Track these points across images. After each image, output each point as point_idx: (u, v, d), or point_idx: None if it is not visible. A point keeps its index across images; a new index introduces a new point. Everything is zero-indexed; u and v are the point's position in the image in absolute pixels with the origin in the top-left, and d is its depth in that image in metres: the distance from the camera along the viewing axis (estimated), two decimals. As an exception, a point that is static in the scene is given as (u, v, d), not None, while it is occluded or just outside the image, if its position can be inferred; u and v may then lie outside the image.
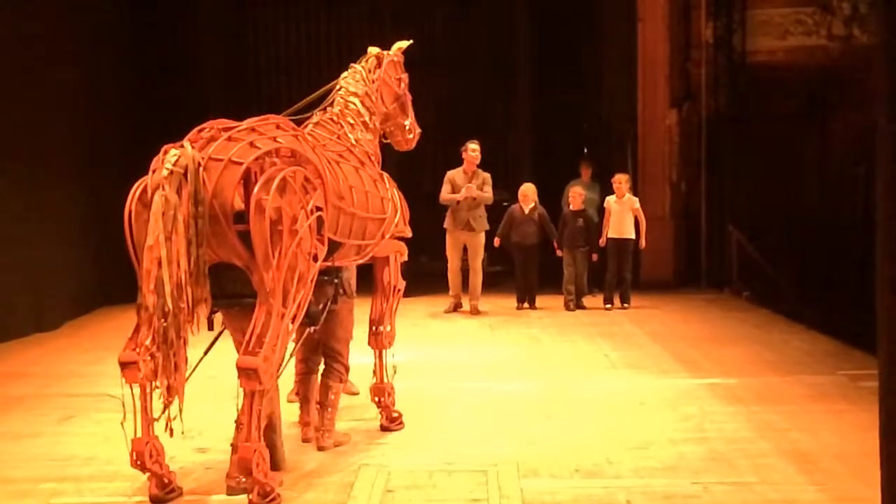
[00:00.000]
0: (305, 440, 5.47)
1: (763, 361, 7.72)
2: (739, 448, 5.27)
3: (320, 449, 5.33)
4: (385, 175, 5.73)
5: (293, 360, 5.38)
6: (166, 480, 4.52)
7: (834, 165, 12.44)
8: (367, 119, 5.80)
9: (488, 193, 10.54)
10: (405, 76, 6.25)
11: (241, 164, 4.32)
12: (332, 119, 5.65)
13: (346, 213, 5.04)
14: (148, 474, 4.51)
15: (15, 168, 9.01)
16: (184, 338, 4.29)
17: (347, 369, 5.60)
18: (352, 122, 5.70)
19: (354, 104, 5.76)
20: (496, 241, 10.93)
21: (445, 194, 10.58)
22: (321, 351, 5.53)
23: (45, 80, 9.57)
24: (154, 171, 4.34)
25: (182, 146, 4.33)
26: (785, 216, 12.10)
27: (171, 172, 4.22)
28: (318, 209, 4.65)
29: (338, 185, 4.97)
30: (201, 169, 4.26)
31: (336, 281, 5.20)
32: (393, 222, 5.59)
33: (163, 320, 4.23)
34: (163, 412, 4.33)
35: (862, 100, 12.25)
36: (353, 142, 5.60)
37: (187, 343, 4.34)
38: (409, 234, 5.88)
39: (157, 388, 4.33)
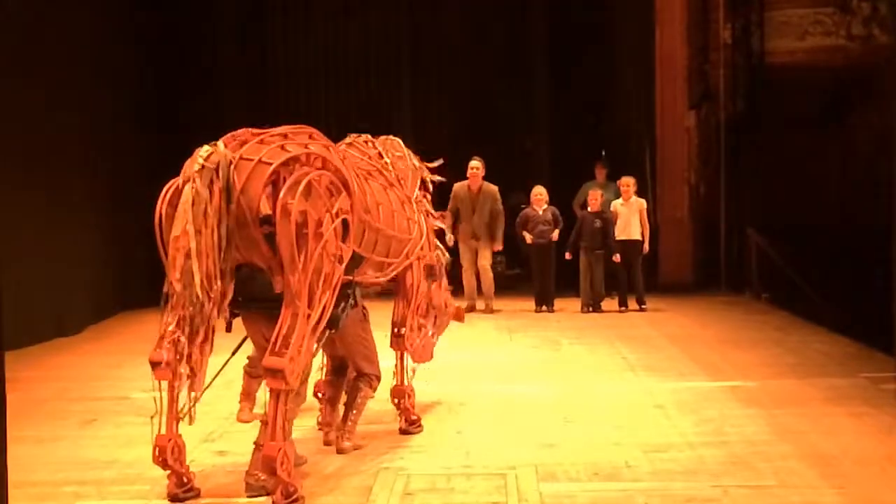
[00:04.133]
0: (327, 443, 5.48)
1: (783, 364, 7.68)
2: (759, 451, 5.25)
3: (339, 451, 5.34)
4: (417, 199, 5.86)
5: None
6: (185, 479, 4.57)
7: (854, 166, 12.36)
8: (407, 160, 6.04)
9: (499, 232, 10.81)
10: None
11: (270, 164, 4.38)
12: (366, 142, 5.80)
13: (372, 228, 5.11)
14: (168, 473, 4.55)
15: (36, 175, 9.07)
16: (212, 326, 4.38)
17: (379, 378, 5.60)
18: (388, 150, 5.88)
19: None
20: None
21: (447, 226, 10.66)
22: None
23: (66, 93, 9.63)
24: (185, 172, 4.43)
25: (215, 144, 4.40)
26: (804, 217, 12.02)
27: (203, 167, 4.30)
28: (344, 212, 4.69)
29: (364, 199, 5.03)
30: (232, 167, 4.33)
31: (349, 291, 5.13)
32: (418, 244, 5.68)
33: (189, 308, 4.30)
34: (187, 398, 4.42)
35: (882, 100, 12.16)
36: (387, 163, 5.72)
37: (214, 332, 4.43)
38: (436, 263, 5.95)
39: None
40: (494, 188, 10.85)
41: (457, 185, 10.77)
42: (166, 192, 4.50)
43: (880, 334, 8.02)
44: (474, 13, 14.15)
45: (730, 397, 6.55)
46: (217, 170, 4.30)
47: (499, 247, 10.99)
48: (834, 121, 12.36)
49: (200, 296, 4.27)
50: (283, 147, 4.51)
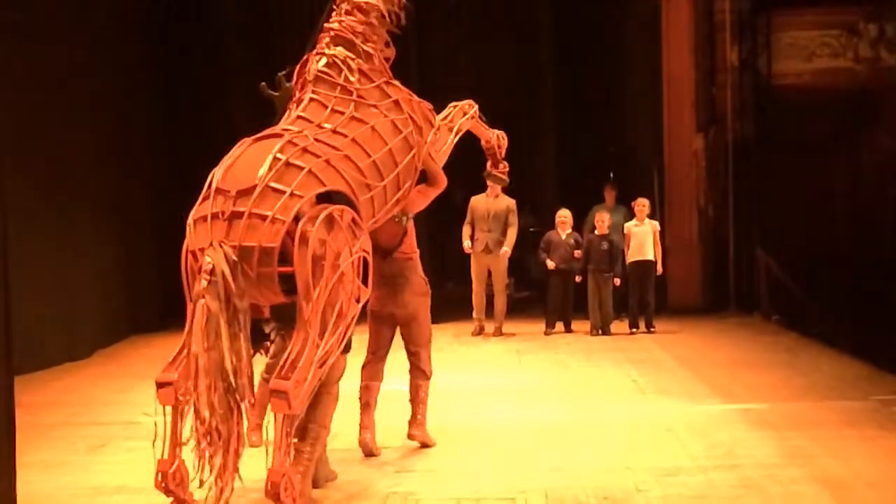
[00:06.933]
0: (362, 443, 5.73)
1: (794, 386, 7.64)
2: (771, 475, 5.21)
3: (409, 437, 5.88)
4: (401, 98, 5.42)
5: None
6: None
7: (863, 188, 12.34)
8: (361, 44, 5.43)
9: (511, 238, 10.76)
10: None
11: (273, 247, 4.39)
12: (327, 71, 5.26)
13: (378, 191, 5.07)
14: (171, 501, 4.53)
15: (46, 199, 9.11)
16: (235, 444, 4.38)
17: (429, 367, 5.94)
18: (350, 57, 5.32)
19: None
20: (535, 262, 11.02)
21: (465, 236, 10.83)
22: (384, 356, 5.85)
23: (74, 119, 9.68)
24: (192, 223, 4.52)
25: (212, 245, 4.38)
26: (813, 238, 12.00)
27: (210, 282, 4.33)
28: (364, 251, 4.72)
29: (362, 176, 4.95)
30: (238, 269, 4.36)
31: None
32: (423, 148, 5.50)
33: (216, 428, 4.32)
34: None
35: (890, 121, 12.17)
36: (358, 86, 5.25)
37: (242, 444, 4.44)
38: (436, 122, 5.79)
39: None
40: (512, 201, 10.88)
41: (474, 198, 10.87)
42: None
43: (891, 356, 7.98)
44: (482, 30, 14.21)
45: (741, 420, 6.51)
46: (222, 278, 4.32)
47: (508, 250, 10.81)
48: (842, 142, 12.36)
49: (205, 413, 4.28)
50: (274, 219, 4.41)
